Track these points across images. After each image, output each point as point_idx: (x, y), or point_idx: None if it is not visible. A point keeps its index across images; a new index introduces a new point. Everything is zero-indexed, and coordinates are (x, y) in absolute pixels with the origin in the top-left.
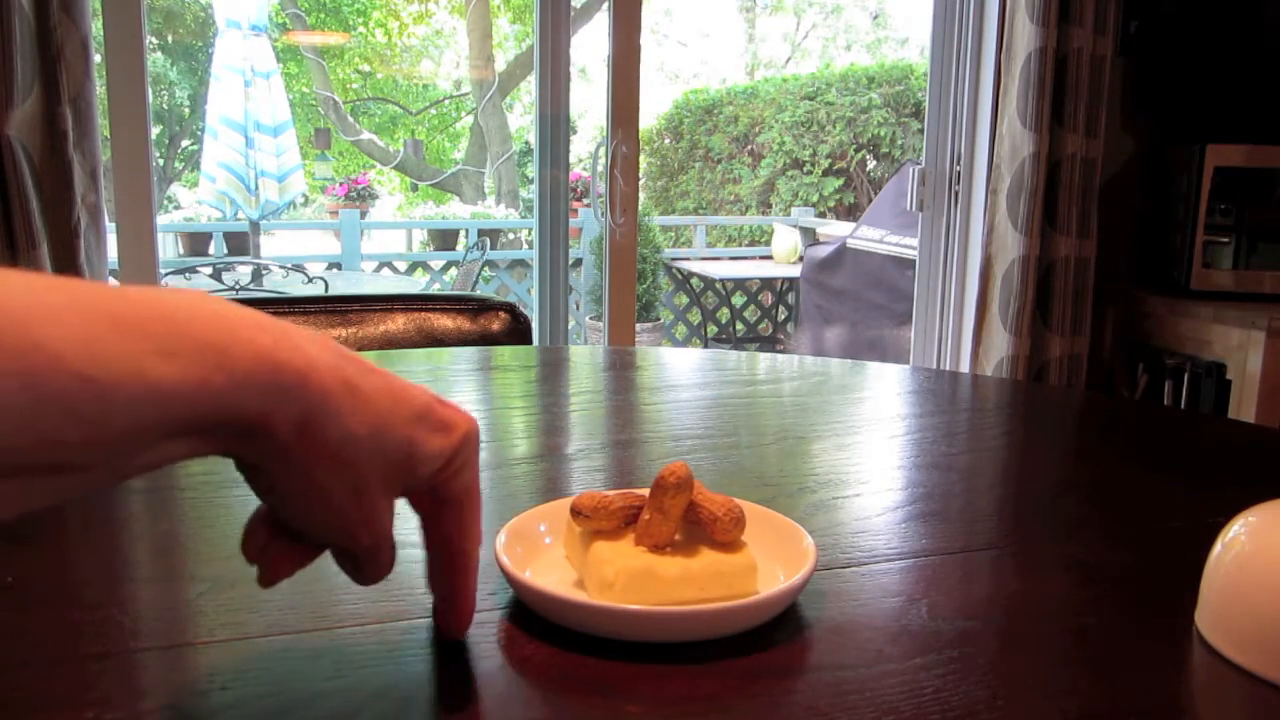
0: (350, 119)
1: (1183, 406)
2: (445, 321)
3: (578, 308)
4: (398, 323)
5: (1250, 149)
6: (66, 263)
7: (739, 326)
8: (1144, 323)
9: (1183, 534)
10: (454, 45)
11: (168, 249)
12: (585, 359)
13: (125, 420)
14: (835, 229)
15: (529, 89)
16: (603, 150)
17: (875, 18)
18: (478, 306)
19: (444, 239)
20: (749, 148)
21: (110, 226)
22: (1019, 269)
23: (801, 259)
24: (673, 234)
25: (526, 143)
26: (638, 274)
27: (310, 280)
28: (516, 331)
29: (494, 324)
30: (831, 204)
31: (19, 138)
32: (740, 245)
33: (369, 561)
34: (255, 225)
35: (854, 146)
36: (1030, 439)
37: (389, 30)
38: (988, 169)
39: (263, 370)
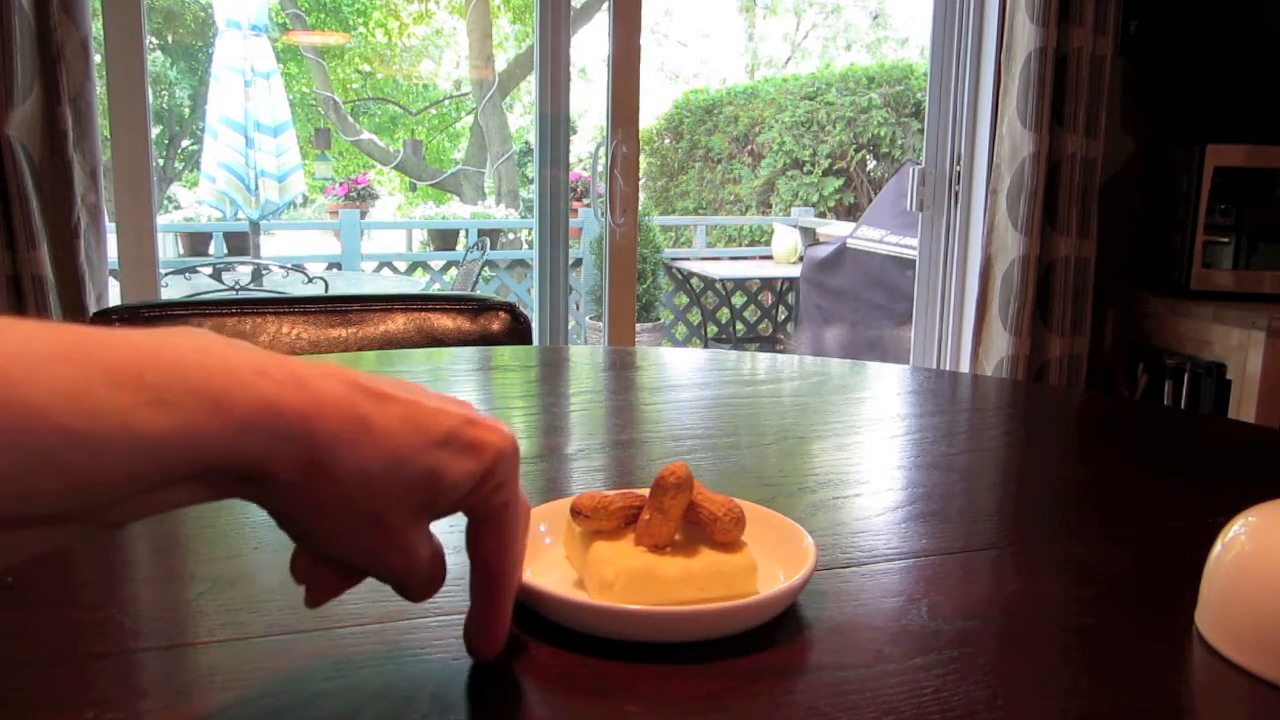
0: (350, 119)
1: (1183, 406)
2: (445, 321)
3: (578, 308)
4: (398, 323)
5: (1250, 149)
6: (66, 263)
7: (739, 326)
8: (1144, 323)
9: (1183, 534)
10: (454, 45)
11: (168, 249)
12: (585, 359)
13: (116, 471)
14: (835, 229)
15: (529, 89)
16: (603, 150)
17: (875, 18)
18: (478, 306)
19: (444, 239)
20: (749, 148)
21: (110, 226)
22: (1019, 269)
23: (801, 259)
24: (673, 234)
25: (526, 143)
26: (638, 274)
27: (310, 280)
28: (516, 331)
29: (494, 324)
30: (831, 204)
31: (19, 138)
32: (740, 245)
33: (408, 586)
34: (255, 225)
35: (854, 146)
36: (1030, 439)
37: (389, 30)
38: (988, 169)
39: (263, 416)
